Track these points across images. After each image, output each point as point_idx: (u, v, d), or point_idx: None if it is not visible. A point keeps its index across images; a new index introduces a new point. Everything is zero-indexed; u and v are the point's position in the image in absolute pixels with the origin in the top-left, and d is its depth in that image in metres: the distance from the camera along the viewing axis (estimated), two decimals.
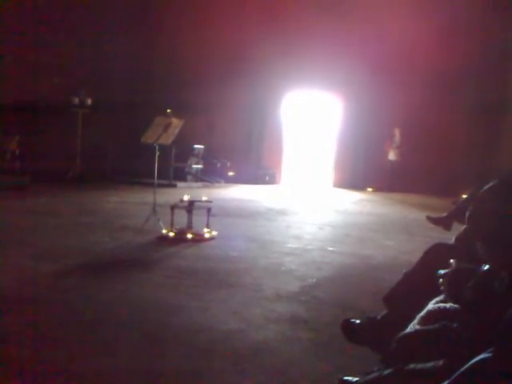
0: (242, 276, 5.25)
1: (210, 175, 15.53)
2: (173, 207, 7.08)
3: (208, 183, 15.00)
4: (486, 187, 1.99)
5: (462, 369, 1.60)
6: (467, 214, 2.00)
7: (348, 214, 10.36)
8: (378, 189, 15.19)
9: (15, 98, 14.66)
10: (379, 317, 3.16)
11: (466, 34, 14.03)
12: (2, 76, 14.61)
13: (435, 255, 3.06)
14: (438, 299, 2.58)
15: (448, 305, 2.46)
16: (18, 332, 3.53)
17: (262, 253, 6.36)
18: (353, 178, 15.85)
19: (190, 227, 7.03)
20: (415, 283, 2.95)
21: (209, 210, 7.14)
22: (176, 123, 7.66)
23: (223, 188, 14.31)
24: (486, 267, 2.04)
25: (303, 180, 16.71)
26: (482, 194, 1.98)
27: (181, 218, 7.12)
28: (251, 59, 15.20)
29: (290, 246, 6.85)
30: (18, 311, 3.96)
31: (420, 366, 1.97)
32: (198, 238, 6.89)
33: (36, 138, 14.46)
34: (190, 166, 15.24)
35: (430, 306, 2.49)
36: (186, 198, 7.19)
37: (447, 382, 1.61)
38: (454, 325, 2.12)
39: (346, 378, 2.61)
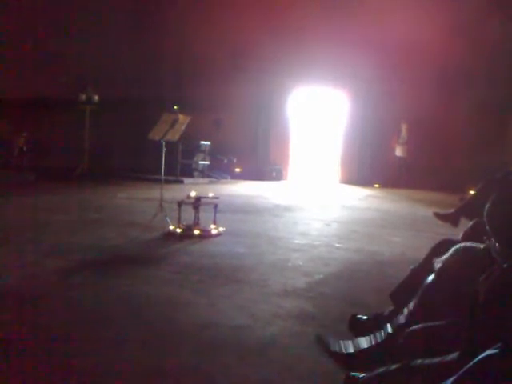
0: (249, 272, 5.26)
1: (217, 171, 15.54)
2: (180, 203, 7.09)
3: (215, 179, 15.01)
4: (504, 188, 1.99)
5: (469, 365, 1.59)
6: (485, 212, 1.99)
7: (355, 210, 10.35)
8: (384, 185, 15.16)
9: (22, 95, 14.71)
10: (386, 313, 3.17)
11: (475, 31, 13.95)
12: (10, 72, 14.65)
13: (442, 251, 3.06)
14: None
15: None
16: (22, 328, 3.55)
17: (269, 249, 6.36)
18: (359, 174, 15.82)
19: (196, 223, 7.03)
20: (422, 280, 2.94)
21: (215, 206, 7.14)
22: (183, 120, 7.67)
23: (230, 184, 14.32)
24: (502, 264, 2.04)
25: (310, 176, 16.69)
26: (499, 194, 1.97)
27: (188, 214, 7.13)
28: (257, 56, 15.18)
29: (296, 242, 6.85)
30: (24, 307, 3.98)
31: (427, 361, 1.98)
32: (205, 234, 6.89)
33: (43, 134, 14.52)
34: (197, 162, 15.26)
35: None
36: (192, 194, 7.19)
37: (454, 377, 1.61)
38: (461, 321, 2.12)
39: (353, 373, 2.61)
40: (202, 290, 4.60)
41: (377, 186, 15.32)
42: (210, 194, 7.49)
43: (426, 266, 3.06)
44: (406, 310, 2.73)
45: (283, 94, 16.33)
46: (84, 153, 14.73)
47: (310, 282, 4.98)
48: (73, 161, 14.36)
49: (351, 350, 2.68)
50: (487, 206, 1.98)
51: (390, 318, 2.99)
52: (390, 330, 2.68)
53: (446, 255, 2.74)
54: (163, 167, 7.63)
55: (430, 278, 2.73)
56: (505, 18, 13.78)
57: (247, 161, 15.99)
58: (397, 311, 3.00)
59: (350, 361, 2.65)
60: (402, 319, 2.69)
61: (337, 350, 2.69)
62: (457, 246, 2.73)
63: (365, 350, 2.67)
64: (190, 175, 14.77)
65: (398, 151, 15.72)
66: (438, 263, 2.74)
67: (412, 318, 2.59)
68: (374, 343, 2.67)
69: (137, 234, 6.79)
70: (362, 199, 12.38)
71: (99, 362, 3.06)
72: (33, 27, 14.93)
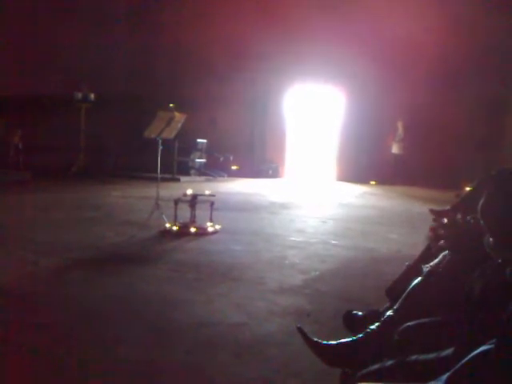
0: (246, 269, 5.26)
1: (213, 169, 15.53)
2: (176, 201, 7.09)
3: (211, 177, 15.00)
4: (498, 183, 1.99)
5: (464, 360, 1.60)
6: (479, 207, 2.00)
7: (351, 208, 10.36)
8: (381, 182, 15.17)
9: (18, 93, 14.67)
10: (381, 309, 3.17)
11: (470, 28, 13.96)
12: (5, 71, 14.61)
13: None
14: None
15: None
16: (21, 328, 3.55)
17: (266, 246, 6.37)
18: (356, 172, 15.82)
19: (193, 221, 7.04)
20: (418, 276, 2.95)
21: (212, 203, 7.15)
22: (179, 117, 7.66)
23: (226, 182, 14.32)
24: (496, 260, 2.05)
25: (306, 174, 16.70)
26: (494, 189, 1.98)
27: (184, 212, 7.13)
28: (254, 54, 15.17)
29: (293, 239, 6.86)
30: (23, 307, 3.98)
31: (422, 357, 1.98)
32: (202, 232, 6.90)
33: (39, 132, 14.49)
34: (194, 160, 15.25)
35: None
36: (189, 192, 7.20)
37: (449, 373, 1.61)
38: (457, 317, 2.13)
39: (348, 370, 2.62)
40: (199, 287, 4.61)
41: (373, 183, 15.34)
42: (207, 192, 7.49)
43: (421, 263, 3.07)
44: (390, 311, 2.75)
45: (279, 91, 16.32)
46: (80, 151, 14.71)
47: (306, 279, 4.99)
48: (68, 159, 14.33)
49: (332, 342, 2.69)
50: (482, 201, 1.98)
51: (385, 312, 3.01)
52: (373, 327, 2.69)
53: (435, 260, 2.77)
54: (159, 165, 7.61)
55: (417, 280, 2.75)
56: (499, 17, 13.79)
57: (244, 159, 15.99)
58: (392, 308, 3.02)
59: (329, 352, 2.66)
60: (385, 317, 2.72)
61: (317, 339, 2.70)
62: (444, 252, 2.76)
63: (344, 342, 2.68)
64: (187, 173, 14.75)
65: (395, 148, 15.75)
66: (426, 268, 2.77)
67: (396, 318, 2.61)
68: (355, 338, 2.69)
69: (133, 233, 6.78)
70: (359, 196, 12.40)
71: (98, 361, 3.06)
72: (27, 24, 14.87)
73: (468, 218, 2.78)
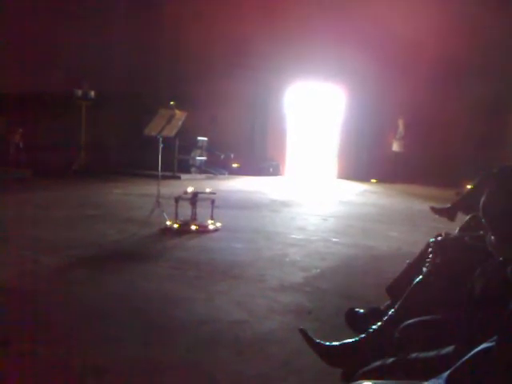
0: (246, 267, 5.27)
1: (214, 167, 15.53)
2: (177, 199, 7.09)
3: (212, 175, 15.00)
4: (500, 181, 1.99)
5: (465, 358, 1.60)
6: (480, 205, 2.00)
7: (352, 205, 10.36)
8: (381, 180, 15.17)
9: (18, 91, 14.65)
10: (382, 307, 3.18)
11: (471, 26, 13.94)
12: (5, 68, 14.59)
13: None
14: None
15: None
16: (22, 327, 3.55)
17: (266, 244, 6.37)
18: (356, 169, 15.82)
19: (194, 219, 7.04)
20: (418, 274, 2.96)
21: (213, 201, 7.15)
22: (179, 115, 7.65)
23: (227, 180, 14.32)
24: (498, 258, 2.05)
25: (307, 171, 16.70)
26: (495, 186, 1.98)
27: (185, 210, 7.13)
28: (254, 52, 15.16)
29: (294, 237, 6.86)
30: (23, 305, 3.98)
31: (422, 355, 1.99)
32: (202, 230, 6.90)
33: (40, 130, 14.49)
34: (194, 157, 15.24)
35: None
36: (189, 189, 7.20)
37: (449, 371, 1.61)
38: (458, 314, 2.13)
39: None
40: (200, 285, 4.61)
41: (374, 181, 15.33)
42: (207, 190, 7.49)
43: (421, 261, 3.07)
44: (391, 310, 2.76)
45: (280, 89, 16.31)
46: (80, 149, 14.70)
47: (307, 277, 4.99)
48: (69, 157, 14.33)
49: (334, 343, 2.69)
50: (483, 198, 1.98)
51: (387, 311, 3.01)
52: (375, 327, 2.70)
53: (436, 259, 2.80)
54: (160, 163, 7.61)
55: (418, 278, 2.76)
56: (502, 14, 13.76)
57: (244, 156, 15.99)
58: (393, 305, 3.02)
59: (331, 353, 2.66)
60: (387, 317, 2.72)
61: (319, 341, 2.70)
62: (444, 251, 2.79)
63: (347, 343, 2.68)
64: (188, 171, 14.75)
65: (395, 146, 15.74)
66: (426, 266, 2.79)
67: (397, 316, 2.62)
68: (358, 339, 2.69)
69: (135, 230, 6.78)
70: (359, 194, 12.40)
71: (99, 360, 3.06)
72: (28, 23, 14.85)
73: (466, 238, 2.78)
